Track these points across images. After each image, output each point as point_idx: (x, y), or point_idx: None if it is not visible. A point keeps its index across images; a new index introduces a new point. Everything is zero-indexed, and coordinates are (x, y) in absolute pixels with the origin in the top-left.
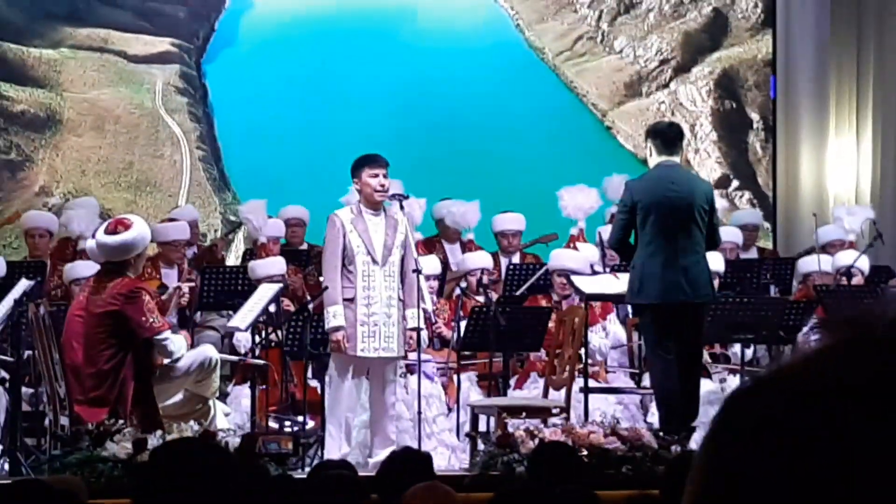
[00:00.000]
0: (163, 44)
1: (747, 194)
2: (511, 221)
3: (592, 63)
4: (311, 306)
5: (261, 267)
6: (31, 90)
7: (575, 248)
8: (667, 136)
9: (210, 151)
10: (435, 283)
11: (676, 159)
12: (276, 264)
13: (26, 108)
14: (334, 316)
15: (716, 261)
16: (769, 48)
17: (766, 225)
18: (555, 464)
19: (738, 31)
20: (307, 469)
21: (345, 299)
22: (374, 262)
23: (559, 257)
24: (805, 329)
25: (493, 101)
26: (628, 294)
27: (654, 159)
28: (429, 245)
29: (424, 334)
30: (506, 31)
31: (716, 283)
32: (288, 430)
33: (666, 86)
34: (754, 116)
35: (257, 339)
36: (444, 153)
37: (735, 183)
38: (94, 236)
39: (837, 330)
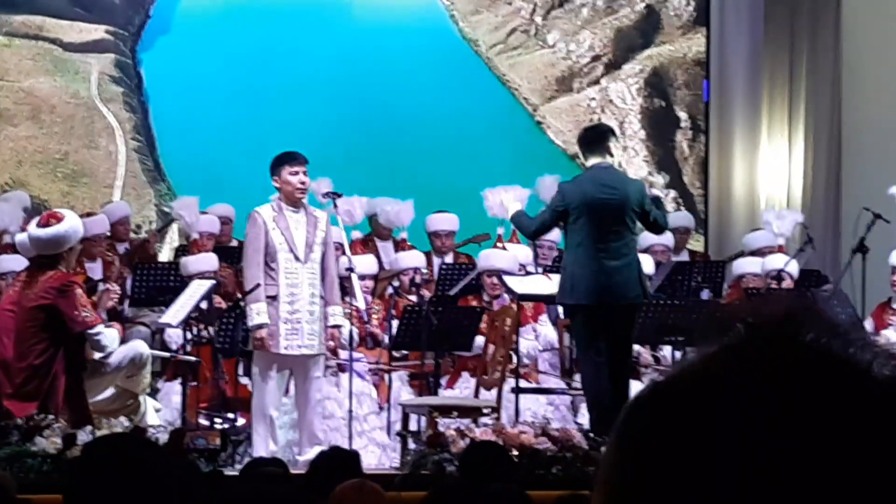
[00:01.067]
0: (98, 31)
1: (673, 192)
2: (444, 222)
3: (525, 57)
4: (242, 303)
5: (193, 263)
6: None
7: (503, 247)
8: (591, 141)
9: (145, 142)
10: (370, 283)
11: (609, 160)
12: (208, 261)
13: None
14: (257, 314)
15: (646, 263)
16: (700, 47)
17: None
18: (486, 463)
19: (670, 29)
20: (237, 466)
21: (267, 296)
22: (297, 259)
23: (488, 257)
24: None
25: (426, 95)
26: (559, 294)
27: (589, 161)
28: (364, 244)
29: (356, 332)
30: (440, 21)
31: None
32: (218, 427)
33: (597, 82)
34: (682, 115)
35: (189, 335)
36: (376, 149)
37: (661, 180)
38: (24, 230)
39: (732, 330)
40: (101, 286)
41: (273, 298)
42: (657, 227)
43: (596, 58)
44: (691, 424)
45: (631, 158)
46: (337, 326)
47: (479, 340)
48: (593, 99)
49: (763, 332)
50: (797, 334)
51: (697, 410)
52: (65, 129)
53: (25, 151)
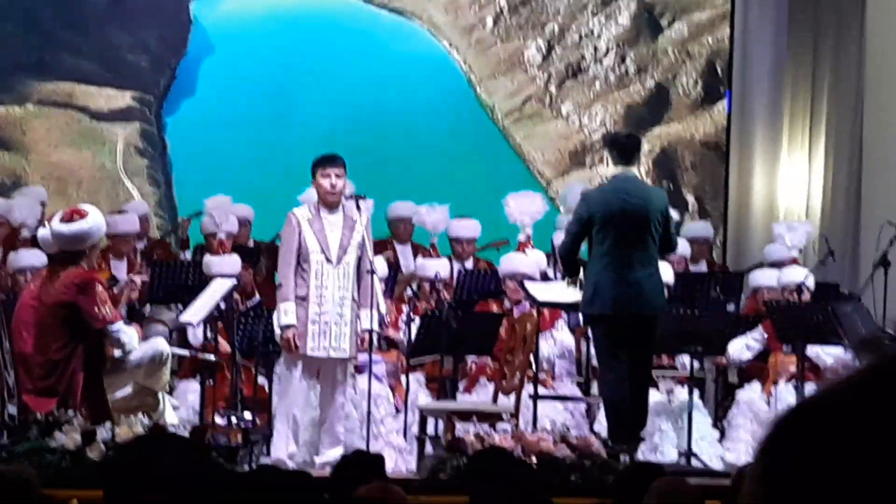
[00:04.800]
0: (125, 97)
1: (691, 198)
2: (466, 228)
3: (540, 127)
4: (252, 303)
5: (216, 264)
6: None
7: (524, 253)
8: (624, 148)
9: (168, 219)
10: (383, 286)
11: (633, 170)
12: (232, 263)
13: None
14: (286, 313)
15: (666, 273)
16: (707, 127)
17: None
18: (496, 469)
19: (679, 107)
20: (253, 465)
21: (297, 297)
22: (328, 261)
23: (511, 261)
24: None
25: (440, 160)
26: (582, 304)
27: (611, 169)
28: (379, 247)
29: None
30: (458, 84)
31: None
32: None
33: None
34: (689, 199)
35: (208, 334)
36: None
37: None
38: (44, 225)
39: (871, 354)
40: (122, 282)
41: (303, 299)
42: (667, 246)
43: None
44: (833, 444)
45: None
46: (368, 331)
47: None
48: (605, 178)
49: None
50: None
51: (839, 430)
52: (91, 203)
53: None
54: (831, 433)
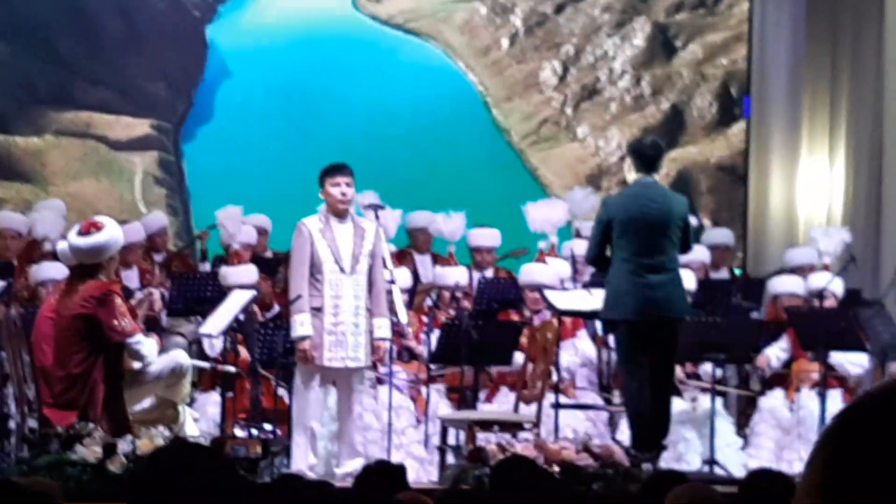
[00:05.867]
0: (143, 126)
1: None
2: (486, 237)
3: (556, 150)
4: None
5: (233, 274)
6: (17, 186)
7: (544, 262)
8: (645, 156)
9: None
10: (406, 297)
11: (655, 177)
12: (249, 273)
13: (13, 208)
14: (301, 324)
15: (688, 279)
16: (722, 150)
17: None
18: (519, 478)
19: (695, 129)
20: (275, 478)
21: (312, 308)
22: (342, 270)
23: (530, 272)
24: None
25: (456, 180)
26: (603, 310)
27: (632, 175)
28: (401, 257)
29: (394, 346)
30: (474, 104)
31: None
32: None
33: (624, 182)
34: (706, 223)
35: (227, 345)
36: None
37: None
38: (64, 238)
39: None
40: (138, 294)
41: (318, 310)
42: (683, 248)
43: (623, 157)
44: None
45: None
46: (383, 339)
47: (518, 356)
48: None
49: None
50: None
51: None
52: None
53: None
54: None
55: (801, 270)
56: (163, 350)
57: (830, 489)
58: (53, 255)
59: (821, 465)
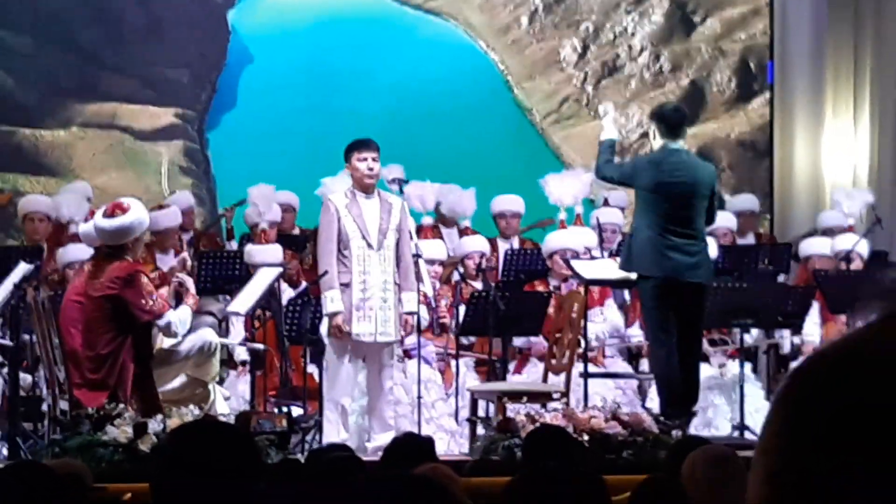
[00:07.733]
0: (167, 115)
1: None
2: (510, 203)
3: (578, 128)
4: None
5: (258, 253)
6: (44, 180)
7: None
8: (670, 122)
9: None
10: (439, 269)
11: (681, 143)
12: (273, 252)
13: None
14: (331, 300)
15: (710, 247)
16: (742, 126)
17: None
18: (551, 447)
19: (714, 105)
20: (306, 454)
21: (341, 284)
22: (370, 246)
23: (556, 237)
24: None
25: (478, 159)
26: (621, 262)
27: (658, 141)
28: (434, 229)
29: (424, 319)
30: (495, 83)
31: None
32: (284, 410)
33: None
34: (727, 197)
35: (256, 323)
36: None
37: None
38: (88, 220)
39: (882, 305)
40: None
41: (346, 286)
42: (708, 219)
43: (644, 135)
44: (856, 388)
45: None
46: (411, 313)
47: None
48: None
49: None
50: None
51: (847, 379)
52: None
53: None
54: (852, 382)
55: (832, 233)
56: (191, 329)
57: (787, 448)
58: (79, 237)
59: (778, 424)
